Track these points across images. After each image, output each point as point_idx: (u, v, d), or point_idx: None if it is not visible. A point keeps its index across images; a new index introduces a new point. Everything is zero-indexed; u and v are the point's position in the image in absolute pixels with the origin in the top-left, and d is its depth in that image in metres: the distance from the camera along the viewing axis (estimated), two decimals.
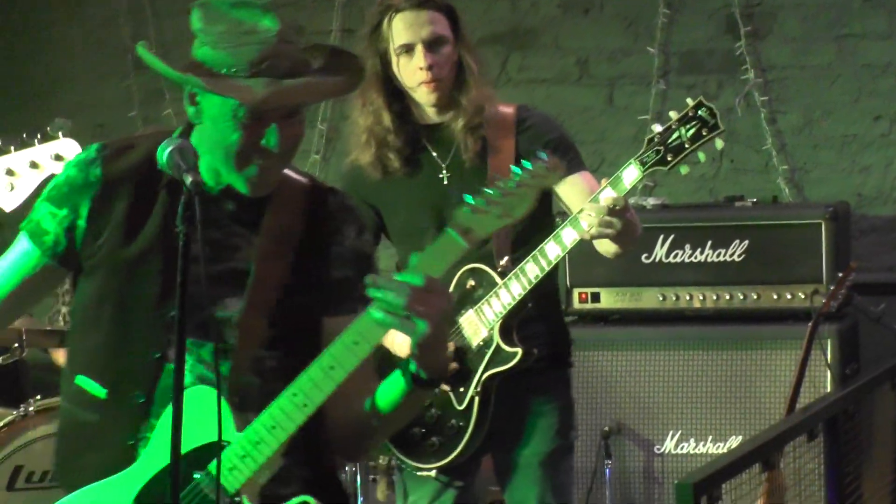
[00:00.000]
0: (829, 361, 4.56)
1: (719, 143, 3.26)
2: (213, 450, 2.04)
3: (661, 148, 3.19)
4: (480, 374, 3.31)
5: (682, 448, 4.70)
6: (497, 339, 3.26)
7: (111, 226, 2.21)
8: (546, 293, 3.40)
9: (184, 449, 1.97)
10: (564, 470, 3.57)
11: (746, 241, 4.79)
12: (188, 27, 2.30)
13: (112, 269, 2.22)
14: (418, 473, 3.36)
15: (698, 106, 3.19)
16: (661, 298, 4.80)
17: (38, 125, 3.04)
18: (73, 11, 6.25)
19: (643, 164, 3.17)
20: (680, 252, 4.84)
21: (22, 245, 2.26)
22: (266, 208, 2.23)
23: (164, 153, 2.02)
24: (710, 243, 4.79)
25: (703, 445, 4.68)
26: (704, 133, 3.18)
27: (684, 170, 3.23)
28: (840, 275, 4.43)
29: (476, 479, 3.66)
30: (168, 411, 2.01)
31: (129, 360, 2.21)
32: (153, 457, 2.16)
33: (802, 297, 4.70)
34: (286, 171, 2.28)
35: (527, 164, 2.07)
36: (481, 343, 3.30)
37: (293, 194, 2.30)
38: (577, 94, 5.35)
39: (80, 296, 2.31)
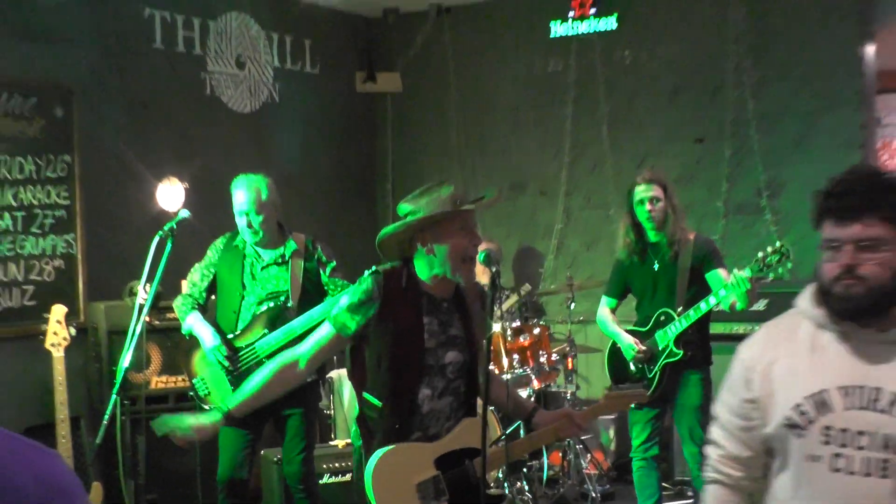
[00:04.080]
0: None
1: (790, 265, 5.20)
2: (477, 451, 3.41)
3: (762, 263, 5.14)
4: (661, 362, 5.48)
5: None
6: (671, 345, 5.40)
7: (381, 321, 3.50)
8: (699, 326, 5.44)
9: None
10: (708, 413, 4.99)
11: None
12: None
13: (379, 344, 3.52)
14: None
15: (782, 247, 5.15)
16: None
17: None
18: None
19: (751, 270, 5.13)
20: None
21: (326, 335, 3.61)
22: (462, 302, 3.61)
23: (482, 256, 3.47)
24: None
25: None
26: (783, 260, 5.15)
27: (771, 275, 5.32)
28: None
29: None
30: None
31: (395, 388, 3.52)
32: (448, 444, 3.51)
33: None
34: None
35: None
36: (664, 347, 5.44)
37: (471, 287, 3.69)
38: None
39: (368, 354, 3.60)
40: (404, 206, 3.59)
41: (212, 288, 5.41)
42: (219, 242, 5.40)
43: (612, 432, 7.29)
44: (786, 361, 2.40)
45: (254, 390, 3.67)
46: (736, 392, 2.49)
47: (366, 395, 3.64)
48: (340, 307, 3.60)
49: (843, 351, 2.32)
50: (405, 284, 3.61)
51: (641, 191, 5.45)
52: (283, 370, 3.67)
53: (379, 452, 3.51)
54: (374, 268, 3.66)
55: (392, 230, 3.52)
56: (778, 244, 5.29)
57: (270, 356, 5.03)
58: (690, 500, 6.67)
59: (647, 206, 5.42)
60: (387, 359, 3.59)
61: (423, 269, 3.55)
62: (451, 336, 3.62)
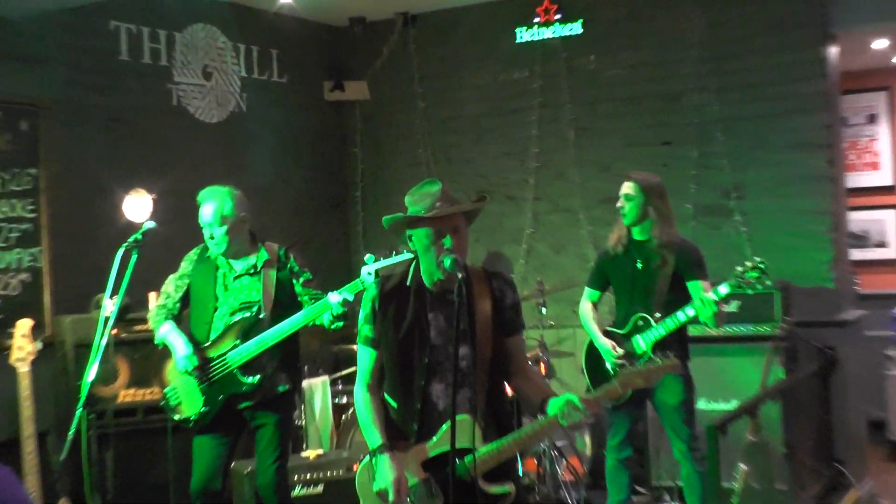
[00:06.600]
0: (779, 363, 6.28)
1: (769, 281, 5.18)
2: (468, 450, 3.20)
3: (741, 279, 5.13)
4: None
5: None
6: (649, 352, 5.36)
7: (387, 322, 3.35)
8: (679, 335, 5.40)
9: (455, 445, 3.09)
10: (691, 411, 5.60)
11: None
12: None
13: (388, 344, 3.36)
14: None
15: (761, 262, 5.13)
16: None
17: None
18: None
19: (730, 286, 5.15)
20: None
21: (365, 353, 3.47)
22: (468, 291, 3.24)
23: (448, 260, 3.14)
24: None
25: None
26: (761, 277, 5.15)
27: (750, 291, 5.24)
28: (787, 318, 6.35)
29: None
30: (446, 424, 3.16)
31: (407, 387, 3.39)
32: (438, 445, 3.31)
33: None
34: (469, 265, 3.29)
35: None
36: (641, 353, 5.40)
37: (478, 280, 3.40)
38: None
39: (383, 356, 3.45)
40: (407, 199, 3.46)
41: (186, 299, 5.40)
42: (192, 254, 5.41)
43: (587, 437, 7.19)
44: None
45: (370, 424, 3.53)
46: None
47: (386, 396, 3.53)
48: (360, 323, 3.54)
49: None
50: (410, 282, 3.46)
51: (622, 188, 5.62)
52: (373, 401, 3.52)
53: (362, 463, 3.51)
54: (376, 273, 3.83)
55: (385, 223, 3.41)
56: (757, 259, 5.26)
57: (242, 367, 5.10)
58: None
59: (619, 202, 5.54)
60: (391, 357, 3.48)
61: (423, 264, 3.39)
62: (463, 330, 3.34)
